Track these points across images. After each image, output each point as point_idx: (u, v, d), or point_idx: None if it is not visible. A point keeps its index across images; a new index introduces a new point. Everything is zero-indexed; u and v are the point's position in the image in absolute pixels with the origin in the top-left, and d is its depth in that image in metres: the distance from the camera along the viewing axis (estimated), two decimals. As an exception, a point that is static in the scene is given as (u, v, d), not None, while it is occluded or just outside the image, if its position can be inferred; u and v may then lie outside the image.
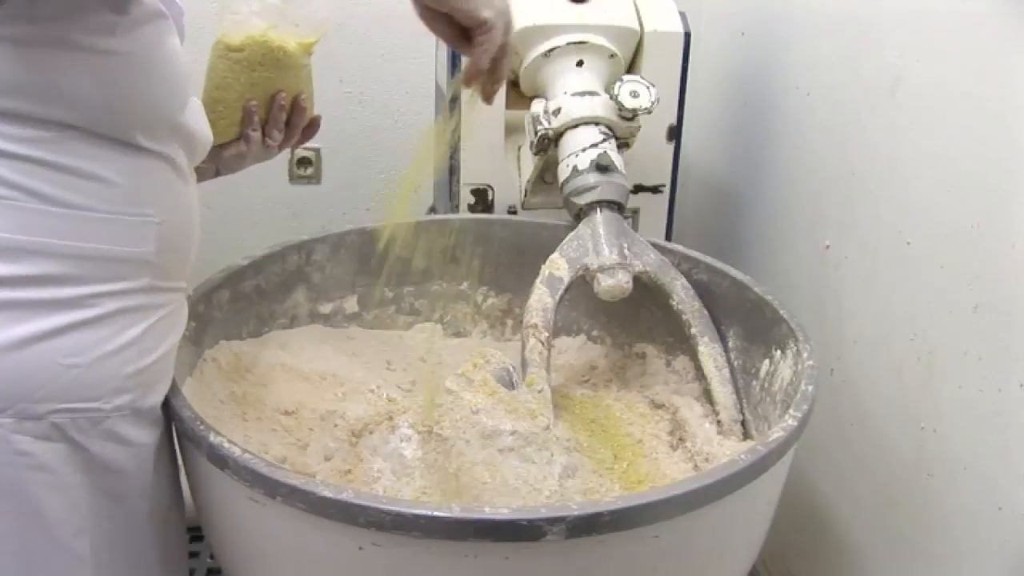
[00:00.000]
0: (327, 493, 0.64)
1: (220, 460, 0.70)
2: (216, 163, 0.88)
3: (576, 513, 0.63)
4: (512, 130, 1.17)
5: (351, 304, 1.14)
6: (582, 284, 1.03)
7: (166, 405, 0.76)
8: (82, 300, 0.65)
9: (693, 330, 1.01)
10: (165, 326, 0.73)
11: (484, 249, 1.16)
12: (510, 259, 1.16)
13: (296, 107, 0.90)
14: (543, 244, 1.05)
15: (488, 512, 0.64)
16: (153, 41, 0.67)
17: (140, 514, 0.75)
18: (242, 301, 1.02)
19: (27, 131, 0.61)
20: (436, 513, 0.62)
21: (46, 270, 0.63)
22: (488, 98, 0.80)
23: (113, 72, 0.64)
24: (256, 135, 0.88)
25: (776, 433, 0.74)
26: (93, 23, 0.62)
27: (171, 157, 0.71)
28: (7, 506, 0.66)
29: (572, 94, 1.07)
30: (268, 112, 0.89)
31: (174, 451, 0.80)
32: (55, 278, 0.64)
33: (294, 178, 0.98)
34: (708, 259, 1.06)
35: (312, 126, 0.94)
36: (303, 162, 1.18)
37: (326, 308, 1.12)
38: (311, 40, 0.89)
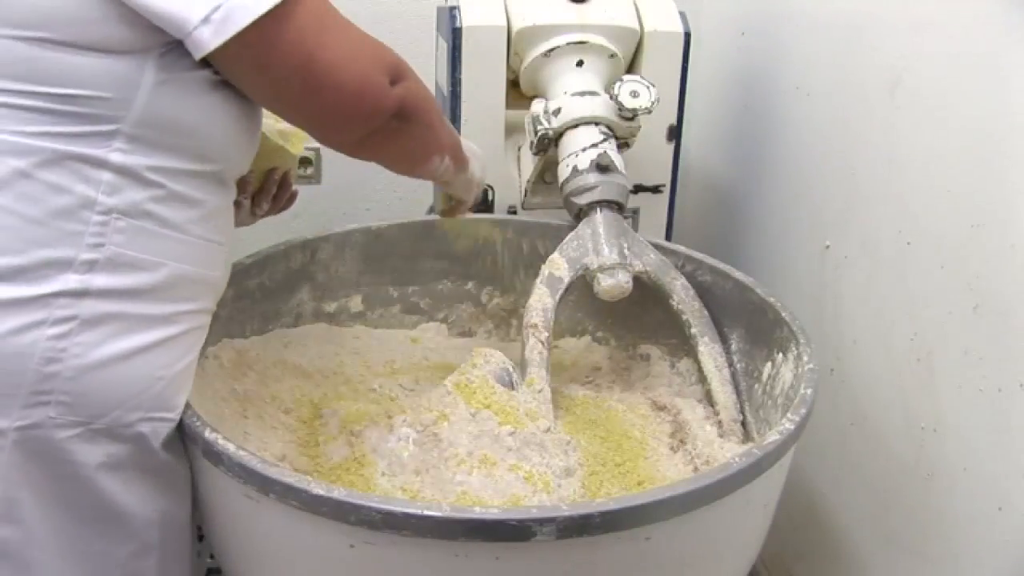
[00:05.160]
0: (319, 491, 0.64)
1: (215, 457, 0.71)
2: None
3: (566, 514, 0.63)
4: (512, 130, 1.18)
5: (356, 303, 1.15)
6: (587, 285, 1.03)
7: None
8: (173, 317, 0.73)
9: (693, 330, 1.01)
10: (202, 342, 0.80)
11: (487, 249, 1.17)
12: (514, 259, 1.16)
13: (284, 183, 1.00)
14: (553, 245, 1.05)
15: (478, 512, 0.64)
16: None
17: (187, 507, 0.81)
18: (246, 299, 1.02)
19: (160, 162, 0.69)
20: (426, 512, 0.62)
21: (153, 286, 0.71)
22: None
23: (241, 119, 0.74)
24: (246, 203, 0.96)
25: (772, 436, 0.74)
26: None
27: (234, 190, 0.80)
28: (87, 500, 0.72)
29: (572, 94, 1.07)
30: (261, 184, 0.98)
31: None
32: (158, 294, 0.71)
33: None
34: (711, 260, 1.06)
35: (291, 199, 1.03)
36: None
37: (331, 307, 1.13)
38: (303, 138, 0.97)
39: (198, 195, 0.73)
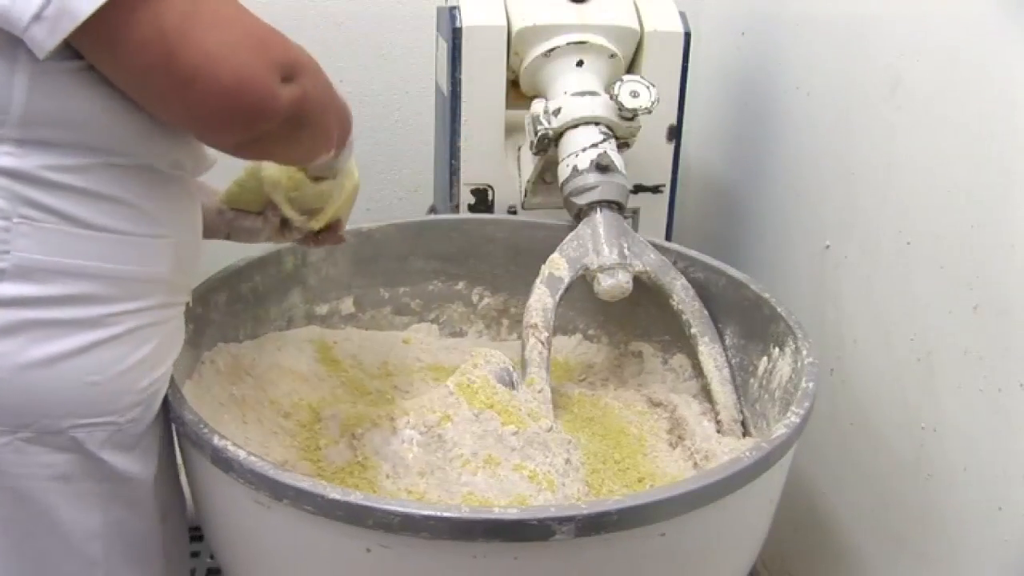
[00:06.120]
0: (335, 495, 0.63)
1: (225, 463, 0.69)
2: (229, 229, 0.89)
3: (585, 512, 0.63)
4: (512, 130, 1.17)
5: (347, 305, 1.14)
6: (579, 283, 1.03)
7: (165, 408, 0.76)
8: (105, 319, 0.67)
9: (693, 330, 1.02)
10: (170, 340, 0.75)
11: (483, 249, 1.16)
12: (508, 259, 1.16)
13: (333, 225, 0.92)
14: (543, 244, 1.05)
15: (497, 512, 0.64)
16: None
17: (147, 516, 0.76)
18: (239, 303, 1.01)
19: (64, 160, 0.63)
20: (445, 514, 0.62)
21: (75, 290, 0.66)
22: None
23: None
24: (274, 220, 0.89)
25: (780, 430, 0.75)
26: None
27: (185, 178, 0.74)
28: (23, 513, 0.68)
29: (572, 94, 1.07)
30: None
31: (174, 452, 0.81)
32: (83, 298, 0.66)
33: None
34: (705, 257, 1.06)
35: (337, 241, 0.96)
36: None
37: (322, 309, 1.12)
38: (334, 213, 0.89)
39: (121, 191, 0.66)
